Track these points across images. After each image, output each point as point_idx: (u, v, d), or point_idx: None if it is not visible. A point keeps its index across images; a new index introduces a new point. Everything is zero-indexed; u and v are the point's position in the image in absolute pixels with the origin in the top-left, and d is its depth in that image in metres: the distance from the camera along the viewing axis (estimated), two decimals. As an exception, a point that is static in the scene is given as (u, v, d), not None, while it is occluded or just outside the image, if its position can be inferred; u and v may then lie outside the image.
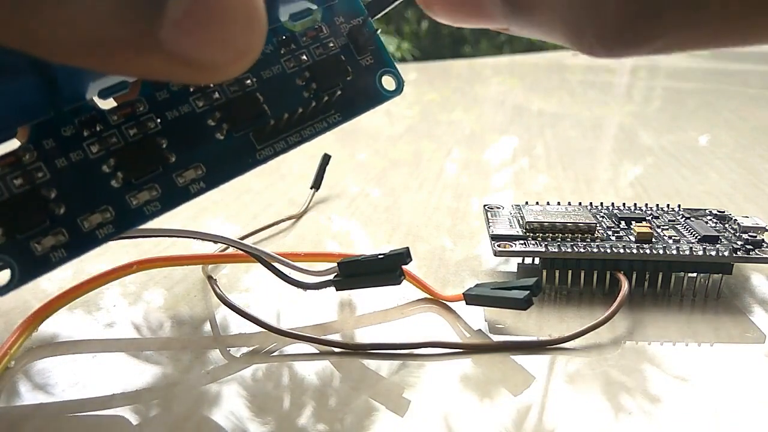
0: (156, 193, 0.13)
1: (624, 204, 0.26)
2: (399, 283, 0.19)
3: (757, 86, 0.85)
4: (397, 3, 0.14)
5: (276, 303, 0.21)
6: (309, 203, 0.31)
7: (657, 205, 0.26)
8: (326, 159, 0.33)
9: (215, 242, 0.21)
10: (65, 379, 0.17)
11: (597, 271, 0.22)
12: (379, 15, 0.15)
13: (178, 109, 0.13)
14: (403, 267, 0.19)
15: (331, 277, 0.19)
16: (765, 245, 0.22)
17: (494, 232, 0.23)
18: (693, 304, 0.21)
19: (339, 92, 0.15)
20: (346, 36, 0.15)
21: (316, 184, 0.32)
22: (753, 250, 0.21)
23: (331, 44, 0.15)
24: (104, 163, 0.13)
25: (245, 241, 0.20)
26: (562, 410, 0.16)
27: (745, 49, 1.48)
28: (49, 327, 0.19)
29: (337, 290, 0.20)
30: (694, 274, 0.22)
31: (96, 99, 0.13)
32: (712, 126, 0.56)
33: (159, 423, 0.15)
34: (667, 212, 0.25)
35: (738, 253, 0.21)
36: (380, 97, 0.15)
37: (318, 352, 0.18)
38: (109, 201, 0.13)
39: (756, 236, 0.22)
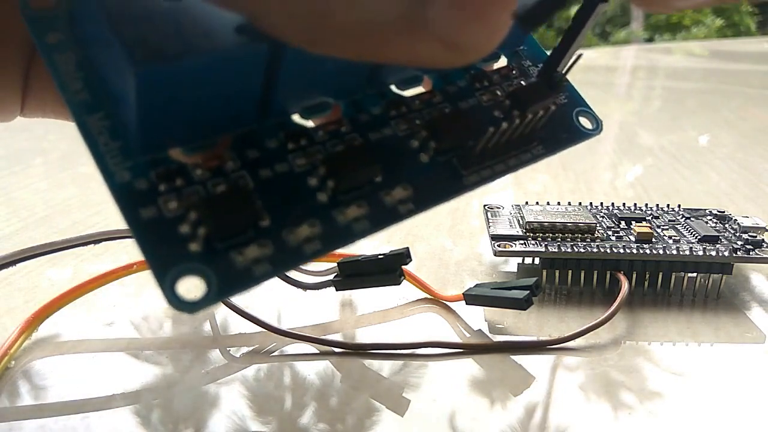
0: (364, 210, 0.12)
1: (624, 204, 0.26)
2: (399, 284, 0.19)
3: (757, 86, 0.85)
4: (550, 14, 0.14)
5: (276, 303, 0.21)
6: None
7: (657, 205, 0.26)
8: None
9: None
10: (65, 379, 0.17)
11: (597, 271, 0.22)
12: (532, 30, 0.14)
13: (380, 131, 0.13)
14: (403, 267, 0.19)
15: (331, 277, 0.19)
16: (765, 245, 0.22)
17: (494, 232, 0.23)
18: (693, 304, 0.21)
19: (541, 121, 0.14)
20: (537, 76, 0.14)
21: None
22: (753, 250, 0.21)
23: (523, 81, 0.15)
24: (311, 175, 0.12)
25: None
26: (563, 410, 0.16)
27: (745, 49, 1.48)
28: (49, 327, 0.19)
29: (337, 290, 0.20)
30: (694, 274, 0.22)
31: (297, 118, 0.12)
32: (712, 126, 0.56)
33: (159, 423, 0.15)
34: (667, 212, 0.25)
35: (738, 253, 0.21)
36: (580, 134, 0.15)
37: (318, 352, 0.18)
38: (316, 215, 0.12)
39: (756, 236, 0.22)
